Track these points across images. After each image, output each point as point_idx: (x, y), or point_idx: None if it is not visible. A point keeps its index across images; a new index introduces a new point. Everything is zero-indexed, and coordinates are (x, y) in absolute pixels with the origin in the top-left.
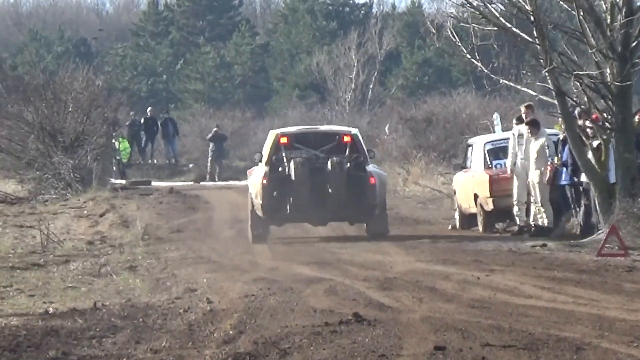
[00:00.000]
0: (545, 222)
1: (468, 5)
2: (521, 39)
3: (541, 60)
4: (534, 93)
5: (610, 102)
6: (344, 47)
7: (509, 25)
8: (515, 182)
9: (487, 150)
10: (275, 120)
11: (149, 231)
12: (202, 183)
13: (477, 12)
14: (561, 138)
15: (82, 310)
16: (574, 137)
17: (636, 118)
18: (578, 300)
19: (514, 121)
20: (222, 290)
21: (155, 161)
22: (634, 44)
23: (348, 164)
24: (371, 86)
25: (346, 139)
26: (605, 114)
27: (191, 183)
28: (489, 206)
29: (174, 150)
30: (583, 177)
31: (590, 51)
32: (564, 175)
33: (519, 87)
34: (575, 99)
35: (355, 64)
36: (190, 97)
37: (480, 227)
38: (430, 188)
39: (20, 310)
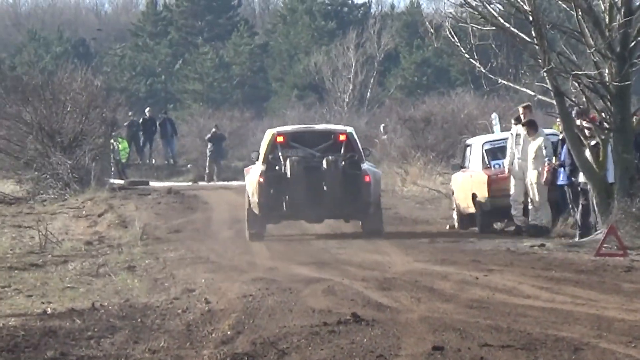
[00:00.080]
0: (544, 222)
1: (467, 5)
2: (520, 39)
3: (540, 60)
4: (532, 93)
5: (608, 102)
6: (342, 47)
7: (507, 25)
8: (513, 182)
9: (486, 150)
10: (274, 120)
11: (148, 231)
12: (200, 183)
13: (476, 12)
14: (561, 138)
15: (80, 311)
16: (572, 137)
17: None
18: (576, 300)
19: (512, 121)
20: (220, 291)
21: (153, 161)
22: (632, 44)
23: (343, 163)
24: (370, 86)
25: (341, 137)
26: (603, 114)
27: (190, 183)
28: (487, 206)
29: (173, 151)
30: (581, 177)
31: (588, 51)
32: (561, 175)
33: (517, 87)
34: (573, 99)
35: (354, 64)
36: (189, 98)
37: (478, 227)
38: (428, 188)
39: (18, 310)
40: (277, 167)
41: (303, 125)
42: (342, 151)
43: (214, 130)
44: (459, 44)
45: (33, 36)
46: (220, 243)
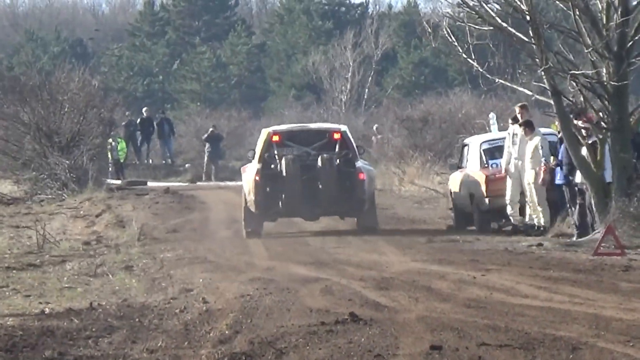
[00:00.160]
0: (542, 221)
1: (464, 5)
2: (517, 38)
3: (537, 60)
4: (529, 93)
5: (606, 102)
6: (340, 47)
7: (504, 24)
8: (509, 182)
9: (483, 150)
10: (271, 120)
11: (145, 231)
12: (198, 183)
13: (473, 12)
14: (560, 137)
15: (78, 311)
16: (569, 136)
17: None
18: (574, 300)
19: (510, 121)
20: (218, 290)
21: (151, 161)
22: (629, 43)
23: (338, 161)
24: (367, 86)
25: (336, 136)
26: (601, 114)
27: (187, 183)
28: (485, 206)
29: (170, 151)
30: (578, 177)
31: (586, 51)
32: (559, 175)
33: (515, 86)
34: (571, 98)
35: (352, 64)
36: (186, 97)
37: (476, 227)
38: (426, 187)
39: (16, 310)
40: (272, 166)
41: (298, 124)
42: (336, 149)
43: (211, 130)
44: (456, 44)
45: (30, 36)
46: (217, 243)
